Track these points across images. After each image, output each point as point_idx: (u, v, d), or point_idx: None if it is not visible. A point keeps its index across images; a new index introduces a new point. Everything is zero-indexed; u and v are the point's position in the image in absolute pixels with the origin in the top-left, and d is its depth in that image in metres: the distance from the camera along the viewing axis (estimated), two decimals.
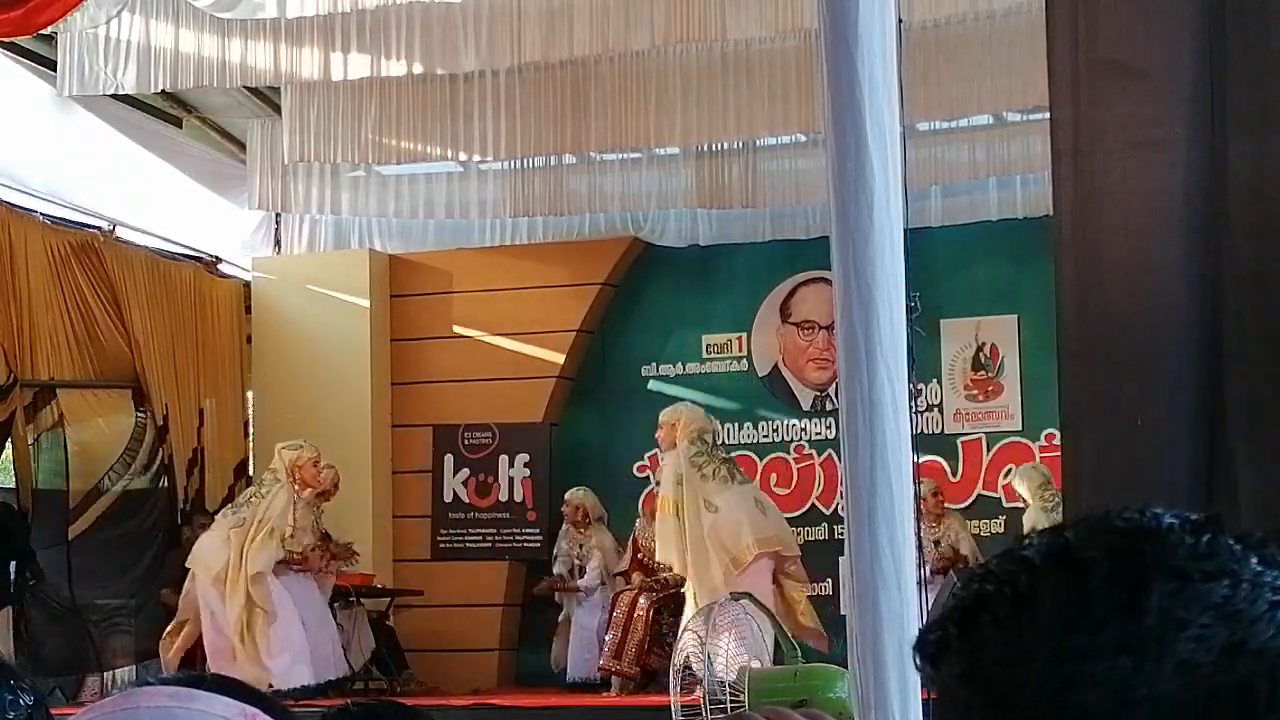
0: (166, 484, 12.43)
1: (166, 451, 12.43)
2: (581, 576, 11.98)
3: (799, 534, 12.62)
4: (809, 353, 12.85)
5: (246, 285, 13.67)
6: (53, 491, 11.75)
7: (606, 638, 11.06)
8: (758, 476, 12.22)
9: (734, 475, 10.35)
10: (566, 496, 12.15)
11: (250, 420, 13.59)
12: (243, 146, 13.39)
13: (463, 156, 12.72)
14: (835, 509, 12.11)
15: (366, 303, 13.27)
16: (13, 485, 11.78)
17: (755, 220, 13.10)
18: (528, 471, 13.03)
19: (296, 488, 11.13)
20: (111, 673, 11.62)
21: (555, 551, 12.18)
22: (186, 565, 11.16)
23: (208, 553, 10.98)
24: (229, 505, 11.70)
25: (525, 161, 12.82)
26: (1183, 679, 0.93)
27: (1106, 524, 1.00)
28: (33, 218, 11.83)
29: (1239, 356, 4.07)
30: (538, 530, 12.93)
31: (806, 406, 12.86)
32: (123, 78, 11.10)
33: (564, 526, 12.17)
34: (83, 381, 12.10)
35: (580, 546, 12.04)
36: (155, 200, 12.96)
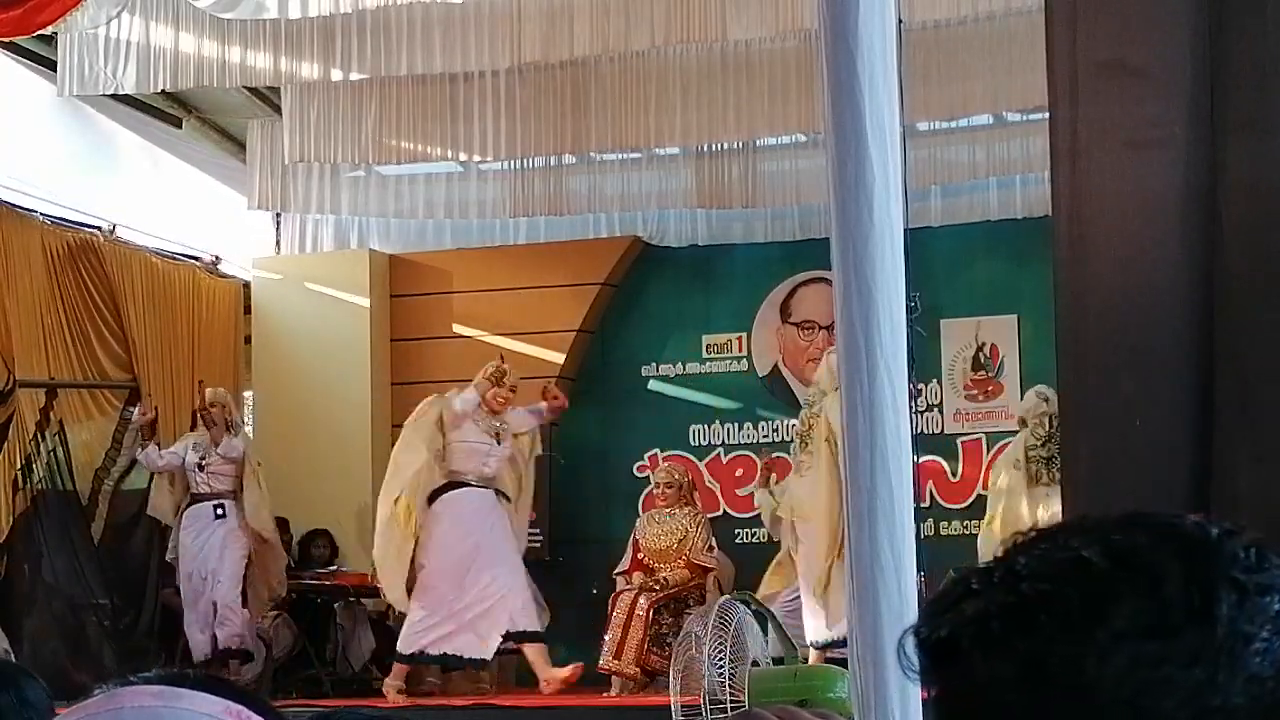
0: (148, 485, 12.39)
1: None
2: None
3: None
4: (809, 353, 12.85)
5: (246, 285, 13.67)
6: (53, 493, 11.74)
7: (606, 637, 11.05)
8: (758, 476, 12.20)
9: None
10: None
11: (250, 421, 13.58)
12: (243, 146, 13.39)
13: (463, 156, 12.72)
14: None
15: (366, 303, 13.27)
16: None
17: (755, 220, 13.11)
18: None
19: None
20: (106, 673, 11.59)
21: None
22: None
23: None
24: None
25: (525, 161, 12.82)
26: (1252, 692, 0.94)
27: (1165, 529, 0.99)
28: (32, 218, 11.82)
29: (1237, 357, 4.07)
30: (538, 530, 12.90)
31: None
32: (123, 78, 11.10)
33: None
34: (83, 382, 12.09)
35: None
36: (155, 200, 12.96)
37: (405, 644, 10.63)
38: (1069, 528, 1.01)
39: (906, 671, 1.02)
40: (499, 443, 10.84)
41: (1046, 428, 10.22)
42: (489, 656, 10.70)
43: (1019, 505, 10.36)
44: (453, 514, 10.63)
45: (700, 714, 8.02)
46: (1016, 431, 11.58)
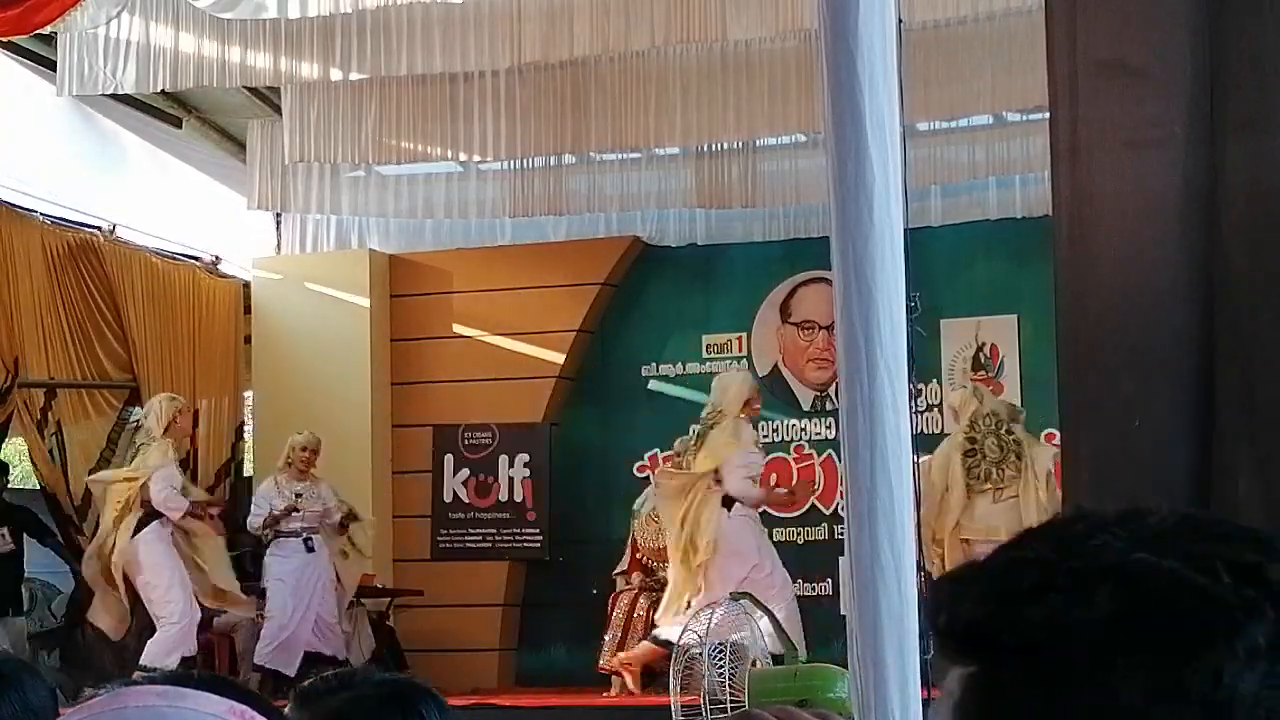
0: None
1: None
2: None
3: (799, 534, 12.64)
4: (809, 353, 12.85)
5: (246, 285, 13.67)
6: (56, 493, 11.73)
7: (606, 637, 11.06)
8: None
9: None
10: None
11: (249, 421, 13.59)
12: (243, 146, 13.39)
13: (463, 156, 12.72)
14: (835, 509, 12.11)
15: (366, 303, 13.27)
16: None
17: (755, 220, 13.11)
18: (528, 472, 13.02)
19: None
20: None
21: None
22: None
23: None
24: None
25: (525, 161, 12.82)
26: None
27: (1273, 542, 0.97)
28: (32, 218, 11.82)
29: (1237, 357, 4.07)
30: (538, 530, 12.94)
31: (806, 406, 12.86)
32: (123, 78, 11.09)
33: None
34: (82, 382, 12.09)
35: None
36: (155, 200, 12.96)
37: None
38: (1149, 525, 0.97)
39: (944, 649, 0.97)
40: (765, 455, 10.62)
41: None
42: None
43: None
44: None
45: (700, 714, 8.02)
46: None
